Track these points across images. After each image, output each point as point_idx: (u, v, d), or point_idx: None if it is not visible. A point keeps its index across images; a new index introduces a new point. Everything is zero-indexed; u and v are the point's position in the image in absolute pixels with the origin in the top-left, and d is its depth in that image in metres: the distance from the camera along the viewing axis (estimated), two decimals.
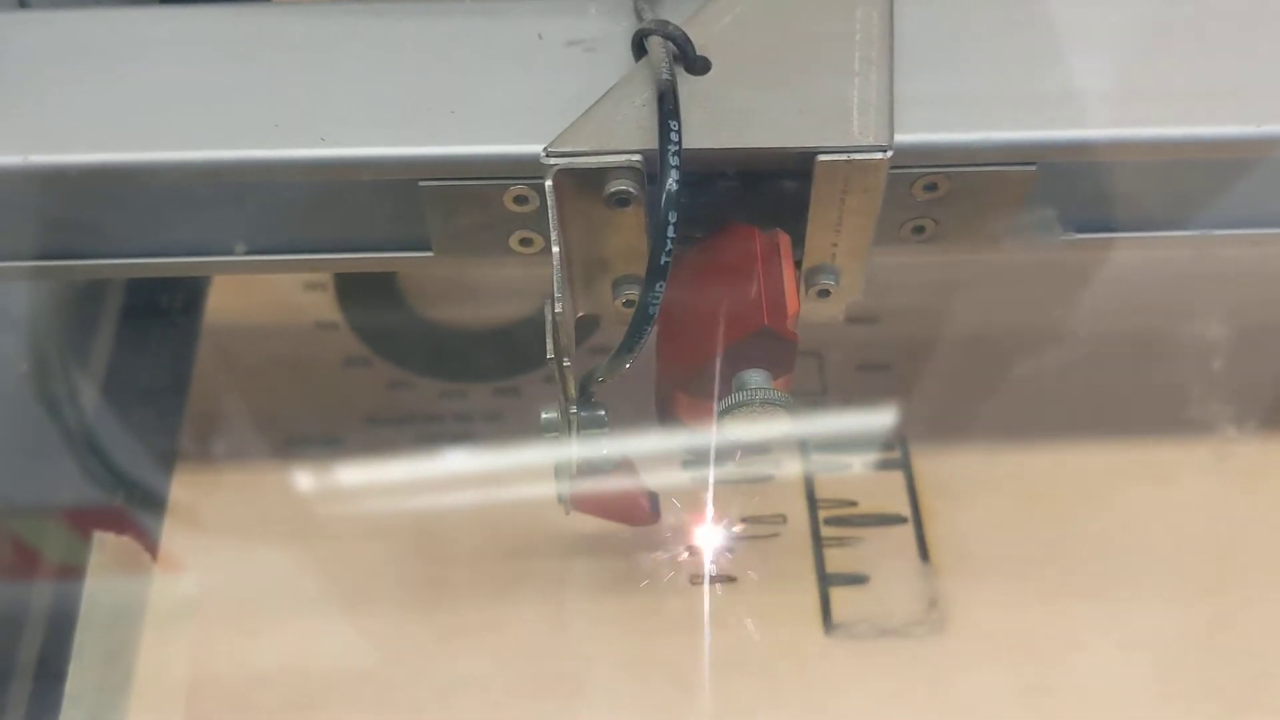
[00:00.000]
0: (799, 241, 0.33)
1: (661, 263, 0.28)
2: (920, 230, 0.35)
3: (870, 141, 0.30)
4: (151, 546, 0.46)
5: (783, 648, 0.44)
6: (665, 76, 0.29)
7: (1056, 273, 0.51)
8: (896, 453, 0.48)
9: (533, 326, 0.52)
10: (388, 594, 0.45)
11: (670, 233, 0.28)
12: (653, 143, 0.30)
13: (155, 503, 0.47)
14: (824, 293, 0.34)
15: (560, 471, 0.38)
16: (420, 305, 0.54)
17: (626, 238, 0.32)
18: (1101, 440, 0.48)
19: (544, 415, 0.35)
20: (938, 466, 0.48)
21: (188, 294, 0.53)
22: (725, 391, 0.32)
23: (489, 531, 0.46)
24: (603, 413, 0.34)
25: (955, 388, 0.50)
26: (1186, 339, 0.50)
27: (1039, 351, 0.50)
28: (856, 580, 0.45)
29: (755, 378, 0.32)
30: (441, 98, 0.34)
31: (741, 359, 0.32)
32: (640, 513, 0.41)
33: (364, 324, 0.53)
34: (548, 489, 0.47)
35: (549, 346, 0.31)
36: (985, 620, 0.44)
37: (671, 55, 0.31)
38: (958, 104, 0.33)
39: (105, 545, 0.46)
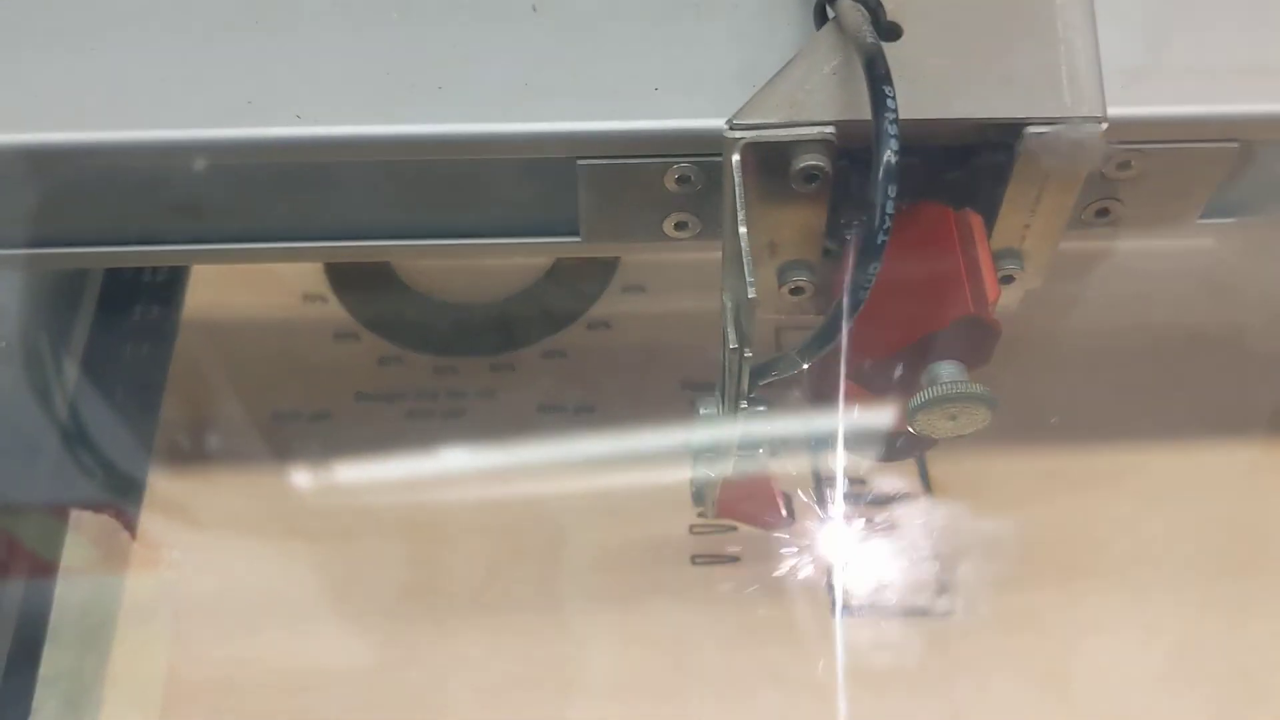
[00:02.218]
0: (989, 222, 0.31)
1: (879, 242, 0.25)
2: (1104, 213, 0.33)
3: (1085, 113, 0.28)
4: (130, 525, 0.45)
5: (788, 629, 0.43)
6: (870, 40, 0.27)
7: (1074, 261, 0.49)
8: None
9: (528, 301, 0.51)
10: (377, 575, 0.44)
11: (889, 209, 0.25)
12: (846, 113, 0.28)
13: (135, 481, 0.46)
14: (1007, 279, 0.32)
15: (704, 470, 0.36)
16: (411, 279, 0.52)
17: (804, 218, 0.30)
18: (1122, 424, 0.47)
19: (702, 410, 0.33)
20: (951, 449, 0.46)
21: (171, 268, 0.51)
22: (911, 384, 0.30)
23: (481, 511, 0.45)
24: (765, 409, 0.32)
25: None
26: (1208, 328, 0.49)
27: (1058, 336, 0.48)
28: (866, 561, 0.44)
29: (951, 370, 0.29)
30: (593, 71, 0.32)
31: (936, 349, 0.29)
32: (778, 516, 0.39)
33: (353, 297, 0.51)
34: (541, 467, 0.46)
35: (730, 336, 0.28)
36: (1000, 604, 0.43)
37: (866, 19, 0.28)
38: (1158, 75, 0.31)
39: (83, 523, 0.45)
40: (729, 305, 0.29)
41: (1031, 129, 0.28)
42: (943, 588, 0.43)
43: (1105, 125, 0.28)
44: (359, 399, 0.48)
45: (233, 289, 0.52)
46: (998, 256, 0.32)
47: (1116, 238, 0.34)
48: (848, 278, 0.26)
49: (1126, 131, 0.30)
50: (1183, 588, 0.44)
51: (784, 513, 0.39)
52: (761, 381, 0.30)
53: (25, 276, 0.50)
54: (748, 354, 0.29)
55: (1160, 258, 0.50)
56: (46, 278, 0.51)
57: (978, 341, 0.29)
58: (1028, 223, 0.31)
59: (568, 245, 0.34)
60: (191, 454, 0.47)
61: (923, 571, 0.44)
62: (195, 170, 0.32)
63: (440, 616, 0.43)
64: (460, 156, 0.31)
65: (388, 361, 0.50)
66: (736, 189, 0.28)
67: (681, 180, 0.31)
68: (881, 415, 0.31)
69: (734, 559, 0.44)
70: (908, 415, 0.29)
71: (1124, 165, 0.31)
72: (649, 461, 0.46)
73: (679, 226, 0.33)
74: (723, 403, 0.32)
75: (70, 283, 0.52)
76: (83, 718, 0.41)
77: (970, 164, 0.30)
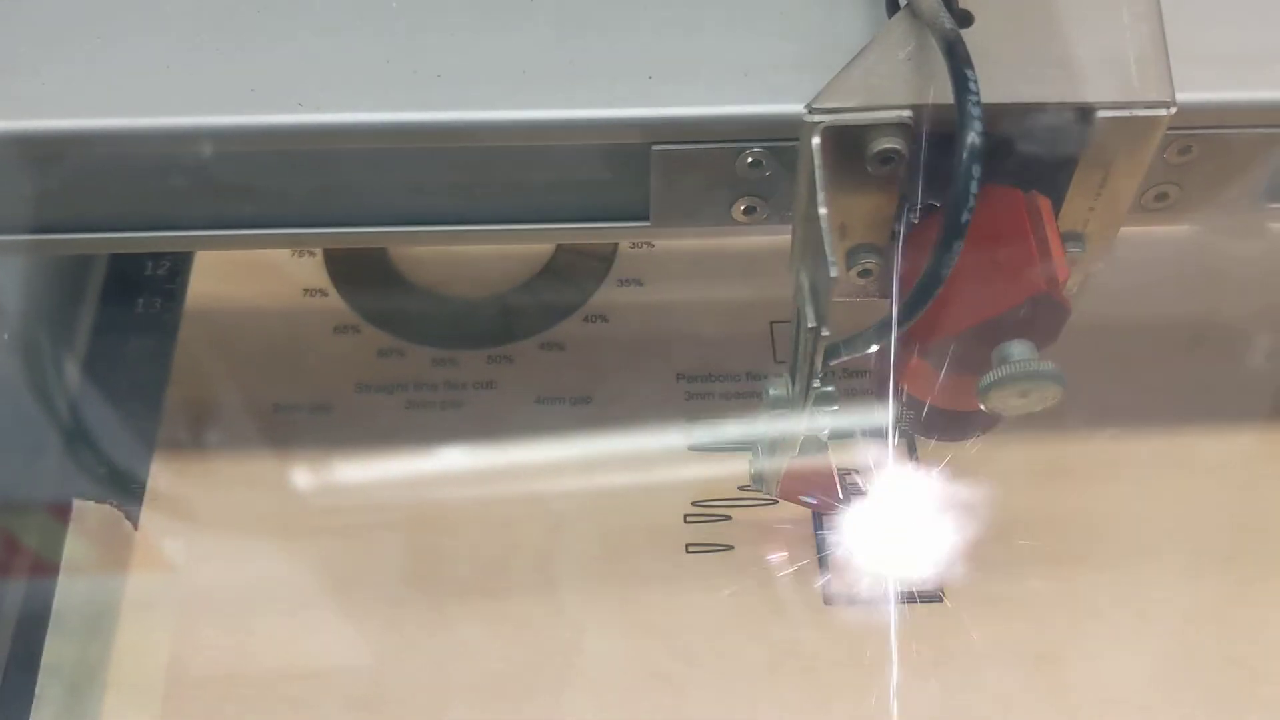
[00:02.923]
0: (1055, 206, 0.31)
1: (963, 220, 0.26)
2: (1163, 198, 0.34)
3: (1154, 97, 0.29)
4: (133, 516, 0.45)
5: (781, 617, 0.43)
6: (949, 26, 0.28)
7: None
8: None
9: (527, 293, 0.52)
10: (377, 566, 0.44)
11: (973, 189, 0.26)
12: (924, 97, 0.29)
13: (137, 473, 0.47)
14: (1069, 261, 0.33)
15: (767, 451, 0.36)
16: (410, 272, 0.53)
17: (875, 202, 0.31)
18: (1117, 412, 0.47)
19: (771, 392, 0.33)
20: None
21: (173, 262, 0.52)
22: (981, 363, 0.31)
23: (480, 502, 0.46)
24: (833, 390, 0.33)
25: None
26: (1204, 319, 0.49)
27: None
28: (855, 550, 0.44)
29: (1022, 349, 0.30)
30: (662, 59, 0.32)
31: (1007, 328, 0.30)
32: (837, 498, 0.39)
33: (354, 291, 0.52)
34: (539, 458, 0.47)
35: (808, 315, 0.29)
36: (993, 588, 0.44)
37: (941, 6, 0.29)
38: (1220, 60, 0.32)
39: (86, 514, 0.45)
40: (805, 285, 0.29)
41: (1101, 113, 0.29)
42: (935, 574, 0.44)
43: (1173, 110, 0.29)
44: (359, 391, 0.49)
45: (234, 283, 0.52)
46: (1061, 239, 0.32)
47: (1174, 222, 0.34)
48: (931, 257, 0.27)
49: (1191, 117, 0.31)
50: (1178, 575, 0.44)
51: (843, 495, 0.39)
52: (834, 361, 0.31)
53: (27, 271, 0.51)
54: (825, 332, 0.29)
55: (1158, 245, 0.50)
56: (48, 272, 0.52)
57: (1048, 320, 0.30)
58: (1092, 206, 0.31)
59: (636, 230, 0.35)
60: (193, 446, 0.48)
61: (914, 557, 0.44)
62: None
63: (440, 606, 0.44)
64: (538, 143, 0.32)
65: (387, 354, 0.50)
66: (817, 171, 0.28)
67: (753, 165, 0.32)
68: (950, 393, 0.32)
69: (728, 547, 0.45)
70: (979, 393, 0.30)
71: (1185, 150, 0.32)
72: (645, 452, 0.47)
73: (747, 211, 0.34)
74: (793, 382, 0.32)
75: (72, 277, 0.53)
76: (85, 707, 0.42)
77: (1038, 148, 0.30)
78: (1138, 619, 0.43)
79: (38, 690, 0.42)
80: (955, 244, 0.26)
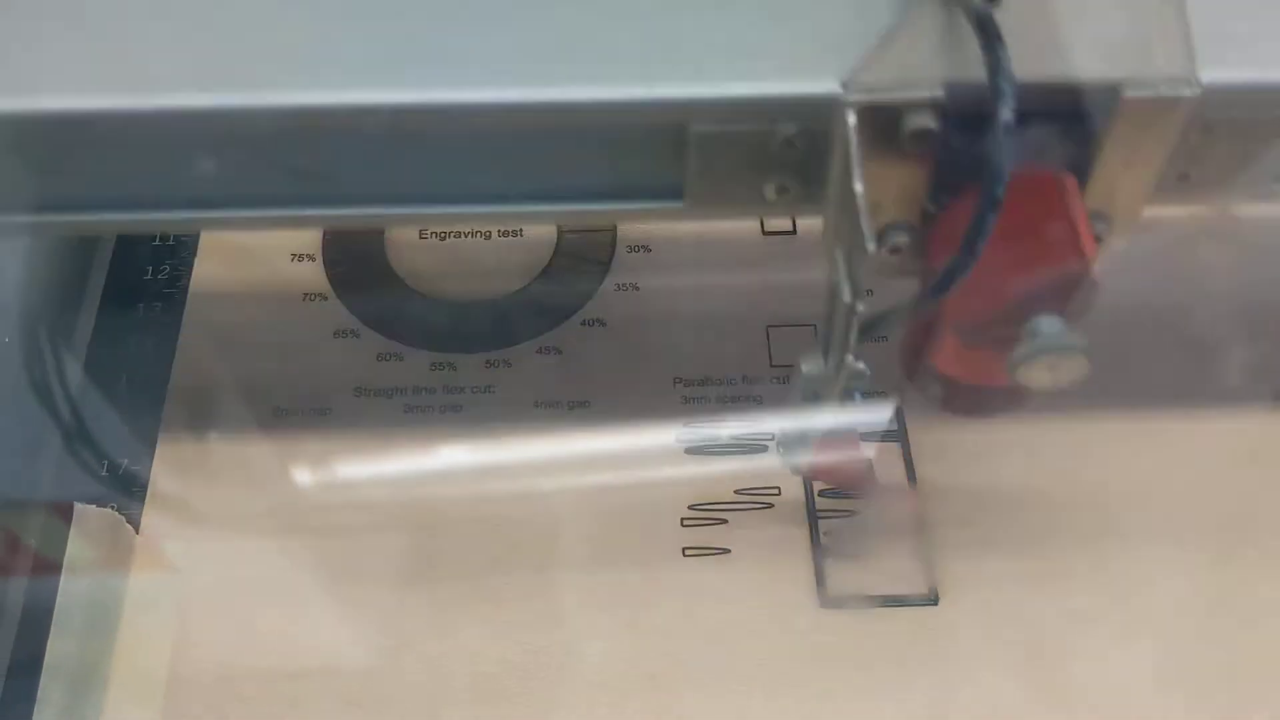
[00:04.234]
0: (1081, 184, 0.32)
1: (998, 195, 0.27)
2: (1185, 178, 0.34)
3: (1178, 76, 0.30)
4: (134, 518, 0.46)
5: (777, 620, 0.43)
6: (980, 4, 0.28)
7: None
8: (894, 424, 0.48)
9: (524, 298, 0.52)
10: (376, 568, 0.45)
11: (1008, 163, 0.27)
12: (956, 75, 0.29)
13: (138, 475, 0.47)
14: (1095, 239, 0.33)
15: (797, 431, 0.37)
16: (410, 276, 0.53)
17: (907, 180, 0.32)
18: (1105, 410, 0.48)
19: (805, 368, 0.34)
20: (935, 438, 0.47)
21: (173, 266, 0.53)
22: (1010, 338, 0.31)
23: (478, 505, 0.46)
24: (865, 366, 0.33)
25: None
26: (1193, 309, 0.49)
27: None
28: (852, 552, 0.45)
29: (1052, 323, 0.31)
30: (698, 39, 0.33)
31: (1038, 304, 0.31)
32: (865, 477, 0.40)
33: (353, 296, 0.52)
34: (537, 461, 0.47)
35: (844, 290, 0.30)
36: (984, 592, 0.44)
37: None
38: (1244, 41, 0.32)
39: (87, 516, 0.46)
40: (840, 262, 0.30)
41: (1128, 92, 0.30)
42: (928, 576, 0.44)
43: (1198, 90, 0.30)
44: (358, 394, 0.50)
45: (235, 287, 0.53)
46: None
47: (1194, 202, 0.35)
48: (966, 231, 0.28)
49: (1215, 97, 0.32)
50: (1172, 574, 0.44)
51: (872, 474, 0.40)
52: (868, 336, 0.32)
53: (29, 273, 0.52)
54: (860, 308, 0.30)
55: (1173, 228, 0.51)
56: (50, 274, 0.53)
57: (1077, 296, 0.30)
58: (1116, 185, 0.32)
59: (669, 211, 0.35)
60: (194, 448, 0.48)
61: (907, 559, 0.45)
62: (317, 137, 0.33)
63: (438, 608, 0.44)
64: (578, 123, 0.33)
65: (386, 358, 0.51)
66: (853, 148, 0.29)
67: (787, 144, 0.33)
68: (980, 369, 0.33)
69: (725, 551, 0.45)
70: (1009, 367, 0.31)
71: (1207, 130, 0.33)
72: (642, 456, 0.48)
73: (779, 190, 0.34)
74: (826, 358, 0.33)
75: (74, 279, 0.53)
76: (87, 707, 0.42)
77: (1064, 127, 0.31)
78: (1124, 621, 0.43)
79: (40, 691, 0.42)
80: (990, 218, 0.27)
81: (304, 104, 0.32)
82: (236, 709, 0.42)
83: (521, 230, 0.55)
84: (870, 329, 0.31)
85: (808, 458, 0.38)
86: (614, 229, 0.54)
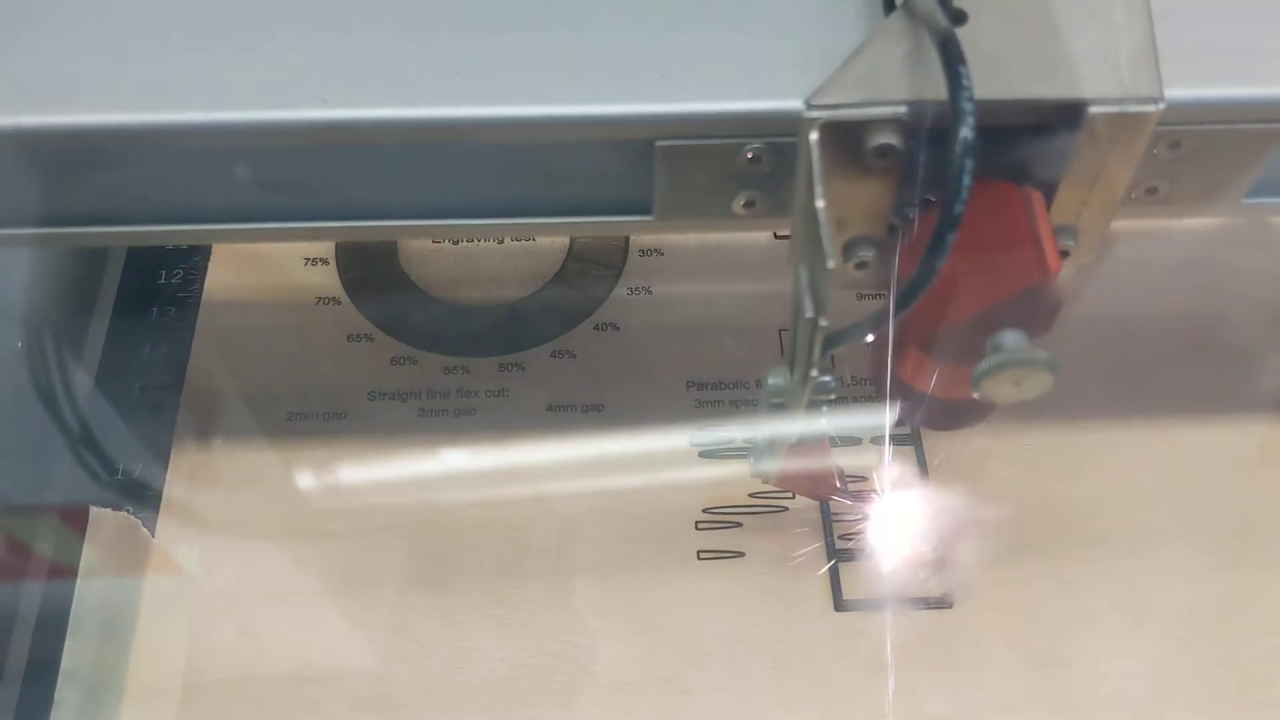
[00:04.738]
0: (1047, 199, 0.32)
1: (956, 213, 0.27)
2: (1153, 192, 0.34)
3: (1144, 93, 0.30)
4: (149, 523, 0.46)
5: (792, 624, 0.44)
6: (943, 24, 0.28)
7: None
8: (907, 427, 0.48)
9: (537, 302, 0.53)
10: (390, 571, 0.45)
11: (967, 182, 0.27)
12: (920, 94, 0.29)
13: (153, 480, 0.47)
14: (1062, 254, 0.33)
15: (767, 441, 0.37)
16: (422, 280, 0.53)
17: (872, 196, 0.32)
18: (1113, 413, 0.48)
19: (770, 380, 0.34)
20: (949, 441, 0.48)
21: (186, 271, 0.53)
22: (974, 352, 0.31)
23: (492, 508, 0.46)
24: (830, 379, 0.33)
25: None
26: (1202, 313, 0.50)
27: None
28: (865, 556, 0.45)
29: (1015, 338, 0.31)
30: (666, 57, 0.33)
31: (1001, 318, 0.31)
32: (832, 485, 0.40)
33: (366, 300, 0.53)
34: (550, 464, 0.47)
35: (807, 305, 0.30)
36: (995, 594, 0.44)
37: (935, 4, 0.30)
38: (1212, 56, 0.32)
39: (102, 520, 0.46)
40: (804, 277, 0.30)
41: (1093, 109, 0.30)
42: (942, 576, 0.45)
43: (1162, 106, 0.30)
44: (372, 398, 0.50)
45: (248, 291, 0.53)
46: (1054, 232, 0.33)
47: (1164, 216, 0.35)
48: (925, 248, 0.28)
49: (1180, 113, 0.32)
50: (1186, 578, 0.45)
51: (839, 483, 0.40)
52: (831, 350, 0.32)
53: (42, 279, 0.52)
54: (823, 323, 0.30)
55: (1172, 240, 0.51)
56: (63, 281, 0.53)
57: (1042, 311, 0.31)
58: (1084, 200, 0.32)
59: (639, 224, 0.35)
60: (208, 453, 0.48)
61: (922, 560, 0.45)
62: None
63: (451, 610, 0.44)
64: (548, 139, 0.33)
65: (400, 362, 0.51)
66: (815, 165, 0.29)
67: (753, 160, 0.33)
68: (946, 382, 0.33)
69: (739, 554, 0.45)
70: (973, 381, 0.31)
71: (1175, 145, 0.33)
72: (656, 459, 0.48)
73: (747, 205, 0.34)
74: (791, 371, 0.33)
75: (86, 284, 0.53)
76: (103, 711, 0.43)
77: (1031, 143, 0.31)
78: (1133, 622, 0.44)
79: (56, 694, 0.43)
80: (949, 236, 0.27)
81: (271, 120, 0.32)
82: (251, 713, 0.42)
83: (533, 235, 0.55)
84: (834, 343, 0.31)
85: (778, 465, 0.38)
86: None
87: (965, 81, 0.27)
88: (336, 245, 0.55)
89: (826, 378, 0.33)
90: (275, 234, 0.35)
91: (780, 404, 0.34)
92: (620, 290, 0.53)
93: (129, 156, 0.33)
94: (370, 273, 0.54)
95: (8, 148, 0.32)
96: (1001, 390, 0.31)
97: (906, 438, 0.48)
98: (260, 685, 0.43)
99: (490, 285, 0.53)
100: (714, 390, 0.50)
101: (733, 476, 0.47)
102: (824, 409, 0.34)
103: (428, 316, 0.52)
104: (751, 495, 0.46)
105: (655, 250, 0.54)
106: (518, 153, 0.34)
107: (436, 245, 0.55)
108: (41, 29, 0.33)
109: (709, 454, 0.47)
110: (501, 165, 0.35)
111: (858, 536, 0.45)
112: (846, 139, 0.30)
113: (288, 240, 0.38)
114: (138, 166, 0.34)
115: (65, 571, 0.45)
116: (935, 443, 0.48)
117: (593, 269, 0.54)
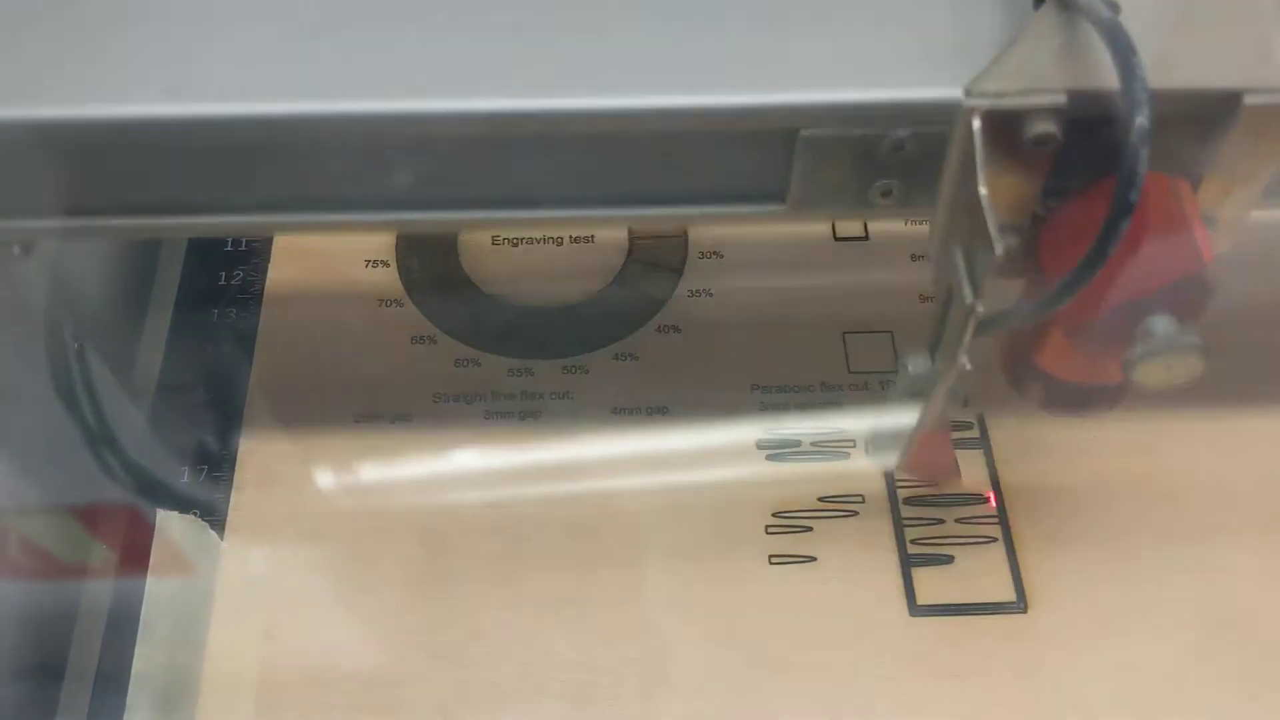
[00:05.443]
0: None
1: (1130, 200, 0.27)
2: None
3: None
4: (217, 526, 0.46)
5: (867, 628, 0.44)
6: (1107, 15, 0.29)
7: None
8: (975, 431, 0.48)
9: (599, 304, 0.53)
10: (463, 572, 0.45)
11: (1141, 169, 0.27)
12: (1077, 83, 0.30)
13: (221, 483, 0.47)
14: None
15: (891, 428, 0.37)
16: (485, 282, 0.53)
17: (1024, 184, 0.32)
18: (1188, 412, 0.48)
19: (911, 368, 0.34)
20: (1018, 444, 0.48)
21: (247, 273, 0.53)
22: (1119, 338, 0.32)
23: (561, 510, 0.46)
24: (971, 366, 0.34)
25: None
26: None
27: None
28: (940, 560, 0.45)
29: (1166, 323, 0.31)
30: (809, 47, 0.33)
31: (1155, 305, 0.31)
32: (951, 470, 0.40)
33: (429, 302, 0.53)
34: (617, 466, 0.47)
35: (966, 292, 0.30)
36: (1072, 597, 0.44)
37: None
38: None
39: (169, 524, 0.46)
40: (960, 263, 0.31)
41: (1249, 98, 0.30)
42: (1016, 582, 0.44)
43: None
44: (437, 400, 0.50)
45: (309, 293, 0.53)
46: None
47: None
48: (1097, 234, 0.28)
49: None
50: (1257, 577, 0.44)
51: (958, 468, 0.40)
52: (982, 335, 0.32)
53: (104, 282, 0.52)
54: (980, 308, 0.30)
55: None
56: (125, 284, 0.53)
57: (1192, 298, 0.31)
58: (1228, 189, 0.32)
59: (770, 214, 0.36)
60: (275, 455, 0.48)
61: (990, 568, 0.45)
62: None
63: (524, 614, 0.44)
64: (686, 128, 0.33)
65: (464, 364, 0.51)
66: (978, 152, 0.30)
67: (896, 148, 0.33)
68: (1088, 368, 0.33)
69: (810, 559, 0.45)
70: (1126, 367, 0.31)
71: None
72: (723, 462, 0.48)
73: (884, 194, 0.35)
74: (934, 358, 0.33)
75: (149, 286, 0.53)
76: (178, 716, 0.42)
77: (1184, 133, 0.31)
78: (1214, 625, 0.43)
79: (129, 699, 0.43)
80: (1122, 222, 0.28)
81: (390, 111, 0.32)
82: (327, 716, 0.42)
83: (593, 236, 0.55)
84: (984, 329, 0.32)
85: (897, 455, 0.39)
86: (685, 234, 0.54)
87: (1139, 71, 0.27)
88: (397, 246, 0.54)
89: (969, 364, 0.34)
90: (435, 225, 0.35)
91: (918, 391, 0.34)
92: (681, 292, 0.53)
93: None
94: (431, 274, 0.54)
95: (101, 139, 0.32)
96: (1154, 375, 0.31)
97: (974, 441, 0.48)
98: (336, 686, 0.43)
99: (550, 286, 0.53)
100: (779, 394, 0.50)
101: (801, 479, 0.47)
102: (964, 396, 0.34)
103: (490, 319, 0.52)
104: (821, 499, 0.46)
105: (715, 252, 0.54)
106: (650, 143, 0.34)
107: (495, 246, 0.55)
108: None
109: (776, 457, 0.47)
110: (635, 156, 0.35)
111: (931, 541, 0.45)
112: (1008, 127, 0.30)
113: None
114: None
115: (133, 574, 0.45)
116: (1004, 443, 0.48)
117: (653, 270, 0.54)
